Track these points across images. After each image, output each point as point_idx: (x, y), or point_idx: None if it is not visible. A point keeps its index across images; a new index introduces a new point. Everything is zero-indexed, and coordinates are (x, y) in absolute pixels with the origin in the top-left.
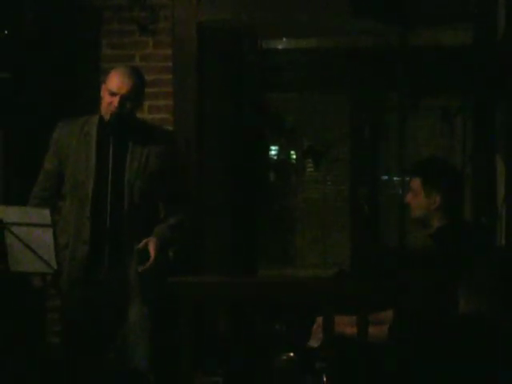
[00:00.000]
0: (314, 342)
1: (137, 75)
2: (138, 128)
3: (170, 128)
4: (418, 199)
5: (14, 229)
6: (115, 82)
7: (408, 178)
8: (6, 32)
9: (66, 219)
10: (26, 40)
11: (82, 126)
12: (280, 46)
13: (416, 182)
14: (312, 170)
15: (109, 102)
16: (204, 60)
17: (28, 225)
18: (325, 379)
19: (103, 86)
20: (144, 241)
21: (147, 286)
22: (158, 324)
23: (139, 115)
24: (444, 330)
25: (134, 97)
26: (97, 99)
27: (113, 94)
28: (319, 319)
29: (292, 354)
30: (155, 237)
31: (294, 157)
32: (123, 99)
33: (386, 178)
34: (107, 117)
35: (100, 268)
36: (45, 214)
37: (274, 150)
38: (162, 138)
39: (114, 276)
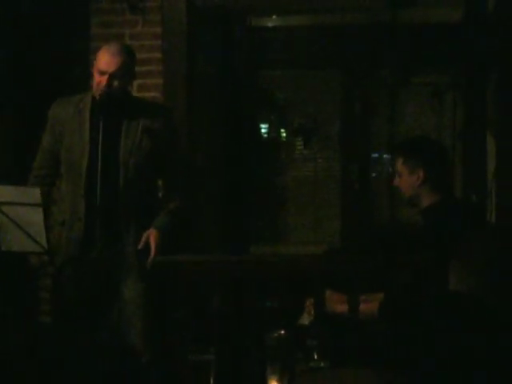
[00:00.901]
0: (305, 320)
1: (125, 52)
2: (133, 104)
3: None
4: (404, 178)
5: (4, 208)
6: (103, 61)
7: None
8: None
9: (63, 197)
10: (16, 20)
11: (76, 104)
12: (270, 24)
13: (399, 163)
14: (302, 147)
15: (98, 81)
16: (194, 38)
17: (18, 204)
18: (316, 356)
19: (94, 65)
20: (144, 236)
21: (143, 264)
22: (153, 301)
23: None
24: (434, 308)
25: (122, 74)
26: (87, 78)
27: (102, 73)
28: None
29: (283, 332)
30: (155, 229)
31: (284, 134)
32: (112, 77)
33: (376, 155)
34: (97, 96)
35: (95, 245)
36: (35, 193)
37: (264, 128)
38: (158, 114)
39: (109, 253)
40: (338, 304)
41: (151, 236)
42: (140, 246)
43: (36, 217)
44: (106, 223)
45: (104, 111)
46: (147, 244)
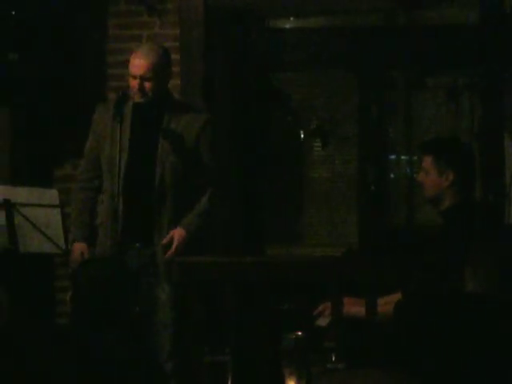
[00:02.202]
0: (322, 321)
1: (156, 53)
2: (172, 106)
3: None
4: (431, 177)
5: (22, 209)
6: (132, 65)
7: (416, 157)
8: (13, 13)
9: (103, 198)
10: (33, 20)
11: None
12: (287, 26)
13: (428, 161)
14: (319, 149)
15: (132, 86)
16: (211, 40)
17: (36, 205)
18: (333, 358)
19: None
20: (170, 233)
21: (174, 267)
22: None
23: None
24: (451, 309)
25: (154, 76)
26: (102, 79)
27: (133, 77)
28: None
29: (300, 333)
30: (182, 228)
31: (302, 136)
32: (143, 80)
33: (393, 156)
34: (134, 99)
35: (131, 246)
36: (53, 195)
37: (281, 129)
38: (196, 117)
39: (144, 254)
40: (352, 306)
41: (176, 234)
42: (163, 242)
43: (54, 218)
44: (144, 223)
45: (139, 116)
46: (171, 241)
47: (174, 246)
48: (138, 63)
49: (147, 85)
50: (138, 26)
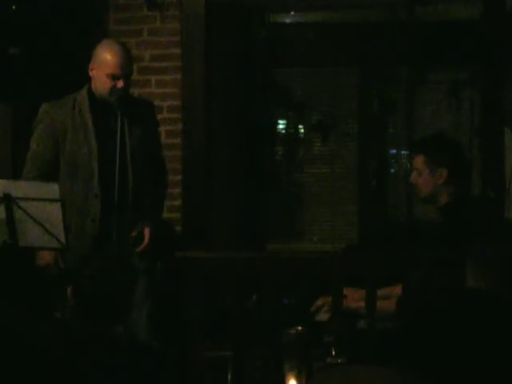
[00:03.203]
0: (322, 316)
1: (129, 51)
2: (130, 101)
3: (179, 103)
4: (424, 177)
5: (22, 203)
6: (117, 64)
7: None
8: (13, 7)
9: (67, 200)
10: (34, 15)
11: (72, 106)
12: (288, 20)
13: (419, 160)
14: (320, 144)
15: (112, 85)
16: (212, 34)
17: (36, 199)
18: (333, 353)
19: (96, 67)
20: (136, 229)
21: (149, 261)
22: (161, 299)
23: (147, 90)
24: (451, 305)
25: (130, 73)
26: None
27: (115, 77)
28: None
29: (300, 328)
30: (149, 220)
31: (303, 131)
32: (128, 79)
33: (394, 152)
34: (112, 99)
35: (108, 244)
36: (53, 189)
37: (281, 125)
38: (147, 108)
39: (121, 251)
40: (352, 302)
41: (146, 228)
42: (133, 234)
43: (54, 212)
44: (120, 221)
45: (121, 113)
46: (141, 233)
47: (144, 244)
48: (123, 62)
49: (126, 83)
50: (138, 20)
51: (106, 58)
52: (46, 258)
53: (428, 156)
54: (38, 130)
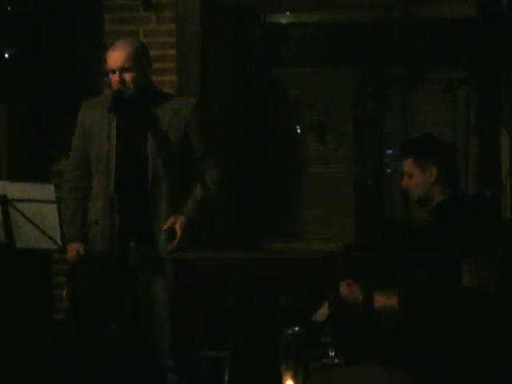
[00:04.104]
0: (319, 316)
1: (129, 44)
2: (158, 99)
3: None
4: (415, 178)
5: (19, 205)
6: (110, 59)
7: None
8: (9, 8)
9: (95, 196)
10: (31, 16)
11: (103, 104)
12: (284, 21)
13: (409, 163)
14: (317, 144)
15: (113, 81)
16: (208, 35)
17: (32, 201)
18: (330, 353)
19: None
20: (170, 220)
21: (170, 261)
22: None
23: None
24: (448, 305)
25: (132, 66)
26: (99, 74)
27: (112, 71)
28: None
29: (298, 328)
30: (182, 215)
31: (299, 131)
32: (121, 73)
33: (390, 151)
34: (114, 93)
35: (129, 242)
36: (49, 190)
37: (277, 125)
38: (183, 107)
39: (143, 250)
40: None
41: (178, 221)
42: (164, 227)
43: (50, 213)
44: (139, 219)
45: (120, 108)
46: (173, 229)
47: (178, 235)
48: (115, 56)
49: (127, 76)
50: (133, 21)
51: (106, 55)
52: (71, 253)
53: (416, 157)
54: (76, 127)
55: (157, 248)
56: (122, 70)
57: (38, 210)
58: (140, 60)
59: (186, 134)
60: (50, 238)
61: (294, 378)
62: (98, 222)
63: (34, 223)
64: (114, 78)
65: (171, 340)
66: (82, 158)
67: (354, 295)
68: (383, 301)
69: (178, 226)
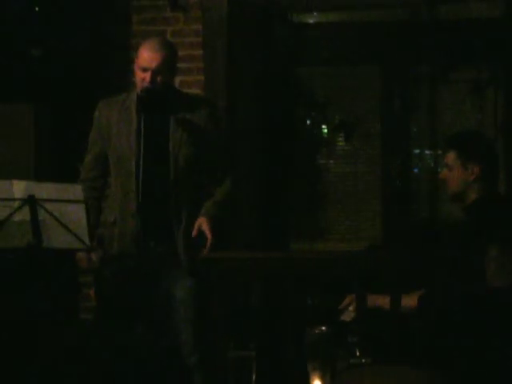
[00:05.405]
0: (346, 316)
1: (166, 47)
2: (178, 99)
3: None
4: (455, 173)
5: (46, 205)
6: (145, 58)
7: (440, 151)
8: (36, 9)
9: (113, 196)
10: (57, 17)
11: (122, 104)
12: (311, 20)
13: (451, 156)
14: (343, 144)
15: (142, 78)
16: (235, 35)
17: (60, 201)
18: (357, 353)
19: (135, 62)
20: (197, 224)
21: (190, 261)
22: (202, 300)
23: None
24: (474, 304)
25: (164, 69)
26: (127, 75)
27: (144, 70)
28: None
29: (324, 328)
30: (206, 217)
31: (326, 131)
32: (155, 73)
33: (417, 151)
34: (141, 92)
35: (149, 241)
36: (77, 190)
37: (304, 124)
38: (203, 107)
39: (164, 249)
40: (378, 298)
41: (204, 223)
42: (194, 234)
43: (78, 213)
44: (161, 218)
45: (147, 107)
46: (201, 232)
47: (209, 236)
48: (151, 56)
49: (158, 78)
50: (161, 21)
51: (139, 51)
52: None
53: (461, 151)
54: (92, 127)
55: (176, 248)
56: (157, 71)
57: (65, 210)
58: (173, 66)
59: (206, 135)
60: (78, 237)
61: (322, 378)
62: (115, 222)
63: (62, 223)
64: (144, 77)
65: (196, 340)
66: (98, 159)
67: (370, 304)
68: (404, 302)
69: (205, 228)
